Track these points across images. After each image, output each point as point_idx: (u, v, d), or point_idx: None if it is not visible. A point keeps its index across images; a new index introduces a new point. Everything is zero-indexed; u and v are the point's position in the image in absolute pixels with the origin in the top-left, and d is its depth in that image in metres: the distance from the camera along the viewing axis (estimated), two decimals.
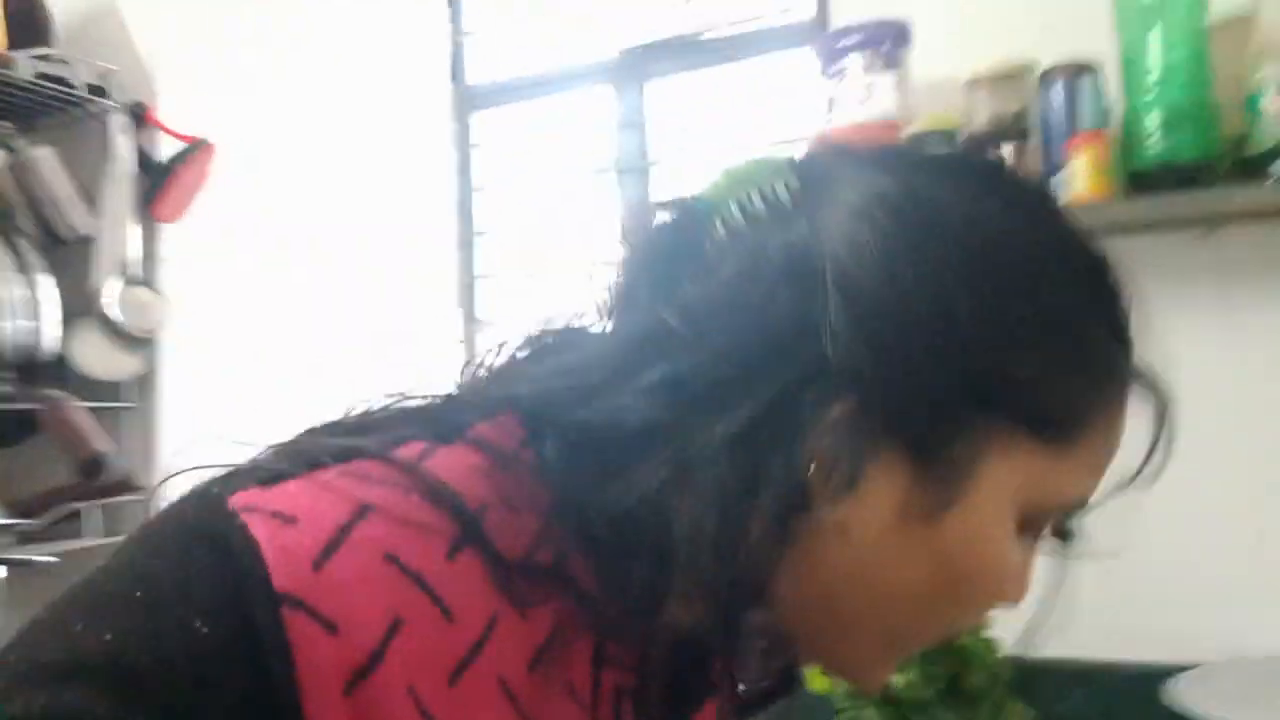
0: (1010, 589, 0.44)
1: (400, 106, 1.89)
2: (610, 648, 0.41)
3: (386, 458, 0.38)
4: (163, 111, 1.30)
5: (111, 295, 1.20)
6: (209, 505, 0.35)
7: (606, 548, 0.39)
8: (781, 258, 0.40)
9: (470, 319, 2.00)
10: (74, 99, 1.28)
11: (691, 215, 0.44)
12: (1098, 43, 1.24)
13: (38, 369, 1.20)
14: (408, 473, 0.37)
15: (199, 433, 1.29)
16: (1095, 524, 1.27)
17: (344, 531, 0.34)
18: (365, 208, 1.75)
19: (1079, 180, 1.19)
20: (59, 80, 1.26)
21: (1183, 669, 1.22)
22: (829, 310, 0.39)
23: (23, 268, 1.20)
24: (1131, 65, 1.20)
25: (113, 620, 0.32)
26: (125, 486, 1.15)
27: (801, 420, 0.39)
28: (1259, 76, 1.13)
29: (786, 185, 0.42)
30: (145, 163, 1.26)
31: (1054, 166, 1.25)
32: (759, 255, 0.41)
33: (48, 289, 1.24)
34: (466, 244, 2.01)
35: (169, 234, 1.30)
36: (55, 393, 1.02)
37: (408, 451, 0.39)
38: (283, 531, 0.34)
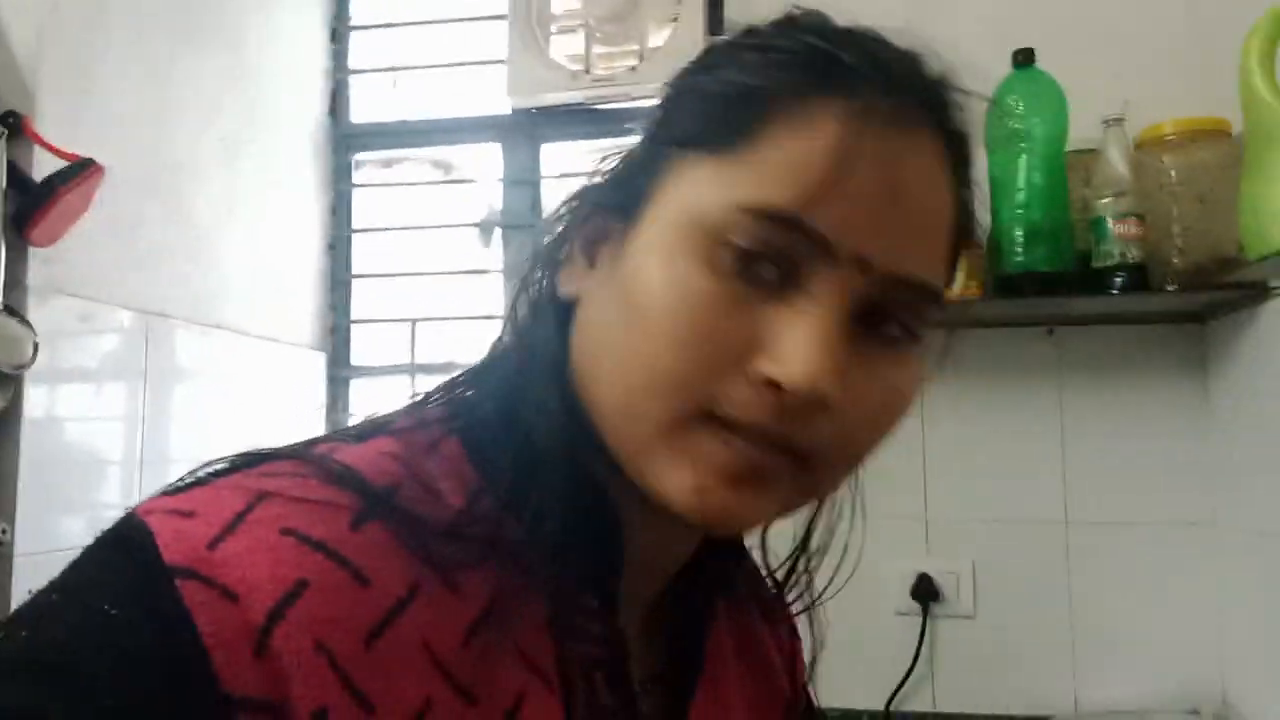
0: (698, 317, 0.39)
1: (279, 141, 1.81)
2: (572, 616, 0.42)
3: (291, 455, 0.40)
4: (42, 124, 1.19)
5: None
6: (121, 517, 0.36)
7: (519, 489, 0.42)
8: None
9: (342, 363, 1.92)
10: None
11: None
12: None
13: None
14: (307, 462, 0.39)
15: (61, 477, 1.18)
16: (953, 590, 1.40)
17: (239, 517, 0.35)
18: (238, 243, 1.66)
19: (957, 280, 1.34)
20: None
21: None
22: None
23: None
24: (999, 184, 1.37)
25: (30, 622, 0.33)
26: None
27: (559, 255, 0.48)
28: (1103, 202, 1.32)
29: None
30: (18, 180, 1.15)
31: None
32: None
33: None
34: (342, 286, 1.94)
35: (39, 260, 1.18)
36: None
37: (315, 449, 0.40)
38: (179, 521, 0.35)
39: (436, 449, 0.42)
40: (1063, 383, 1.48)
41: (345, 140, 2.00)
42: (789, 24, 0.44)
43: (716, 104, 0.41)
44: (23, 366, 1.11)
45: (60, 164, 1.16)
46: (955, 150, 0.44)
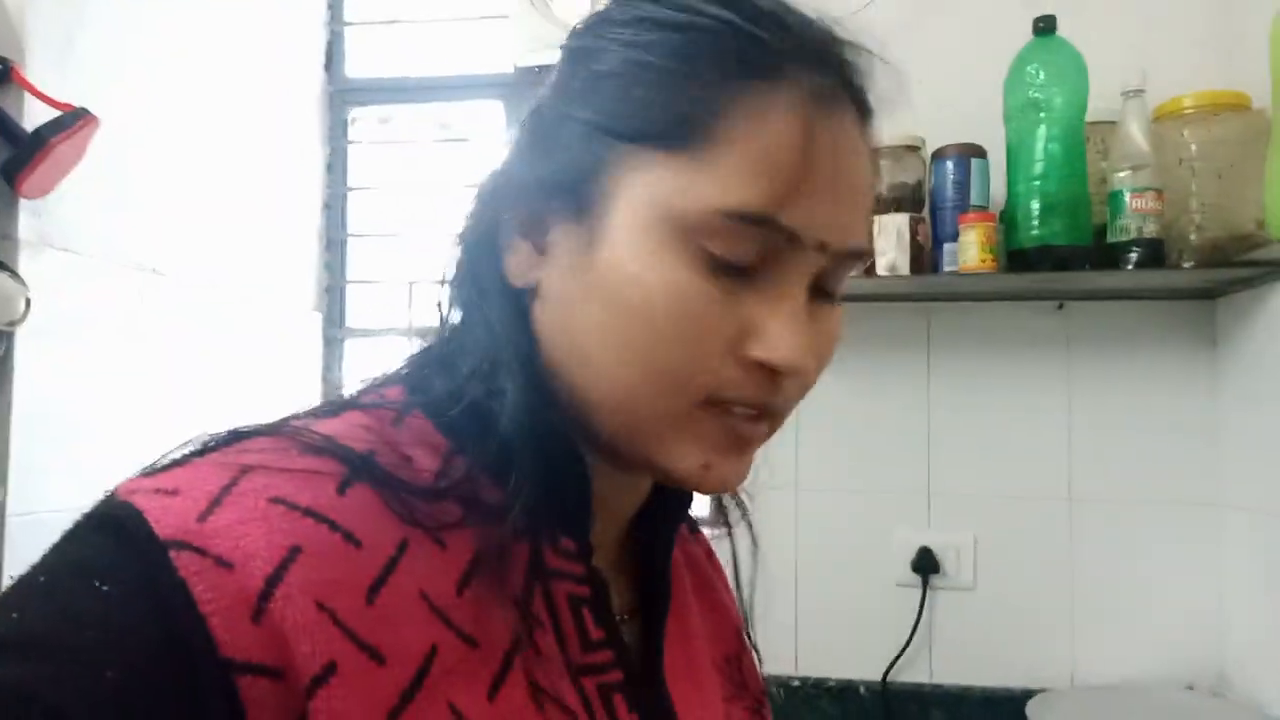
0: (692, 313, 0.41)
1: (274, 94, 1.76)
2: (554, 561, 0.45)
3: (268, 431, 0.41)
4: (31, 71, 1.14)
5: None
6: (101, 500, 0.37)
7: (495, 458, 0.43)
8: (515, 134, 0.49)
9: (337, 324, 1.88)
10: None
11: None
12: (986, 129, 1.38)
13: None
14: (285, 436, 0.40)
15: (53, 435, 1.15)
16: (954, 563, 1.40)
17: (225, 490, 0.36)
18: (233, 199, 1.61)
19: (969, 252, 1.32)
20: None
21: (1031, 693, 1.37)
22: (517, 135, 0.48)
23: None
24: (1016, 154, 1.34)
25: (18, 604, 0.33)
26: None
27: (496, 228, 0.48)
28: (1120, 176, 1.30)
29: None
30: (8, 129, 1.10)
31: (943, 236, 1.37)
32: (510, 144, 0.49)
33: None
34: (337, 245, 1.90)
35: (30, 213, 1.14)
36: None
37: (290, 424, 0.42)
38: (165, 499, 0.35)
39: (403, 421, 0.44)
40: (1070, 358, 1.47)
41: (341, 95, 1.95)
42: None
43: (662, 97, 0.42)
44: (14, 322, 1.08)
45: (52, 114, 1.12)
46: (866, 116, 0.46)
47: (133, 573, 0.33)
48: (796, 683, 1.49)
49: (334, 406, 0.45)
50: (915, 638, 1.46)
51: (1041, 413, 1.47)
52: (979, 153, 1.39)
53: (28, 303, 1.09)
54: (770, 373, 0.43)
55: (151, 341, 1.36)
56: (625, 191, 0.42)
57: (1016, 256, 1.33)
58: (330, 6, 1.95)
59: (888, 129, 1.36)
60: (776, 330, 0.42)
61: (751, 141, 0.41)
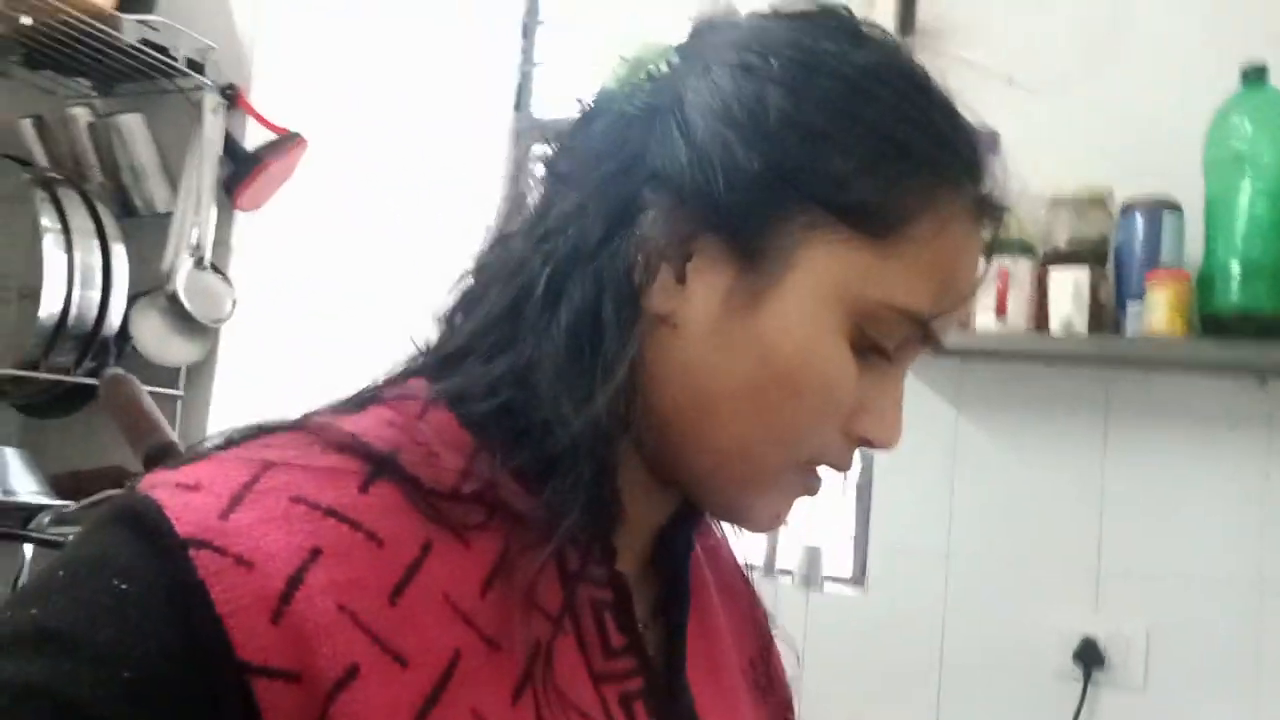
0: (838, 392, 0.43)
1: (467, 129, 1.89)
2: (582, 565, 0.44)
3: (291, 427, 0.40)
4: (253, 97, 1.28)
5: (181, 278, 1.17)
6: (123, 492, 0.37)
7: (529, 463, 0.42)
8: (638, 111, 0.45)
9: None
10: (171, 70, 1.26)
11: (594, 109, 0.47)
12: (1178, 181, 1.29)
13: (94, 342, 1.16)
14: (310, 432, 0.40)
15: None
16: (1122, 656, 1.25)
17: (247, 488, 0.36)
18: (427, 226, 1.73)
19: (1157, 314, 1.22)
20: (161, 49, 1.24)
21: None
22: (657, 125, 0.44)
23: (100, 234, 1.16)
24: (1216, 210, 1.24)
25: (37, 599, 0.33)
26: None
27: (629, 233, 0.43)
28: None
29: (667, 61, 0.46)
30: (231, 147, 1.24)
31: (1128, 294, 1.28)
32: (620, 119, 0.45)
33: (121, 261, 1.20)
34: None
35: (243, 223, 1.27)
36: (121, 371, 0.97)
37: (314, 420, 0.41)
38: (186, 494, 0.35)
39: (426, 417, 0.43)
40: (1272, 438, 1.33)
41: (528, 133, 2.06)
42: (924, 83, 0.45)
43: (872, 184, 0.42)
44: (221, 320, 1.20)
45: (269, 135, 1.25)
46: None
47: (152, 571, 0.33)
48: None
49: (359, 400, 0.44)
50: None
51: (1233, 495, 1.33)
52: (1173, 206, 1.29)
53: (234, 303, 1.21)
54: (864, 445, 0.45)
55: (333, 354, 1.47)
56: (809, 257, 0.42)
57: (1211, 322, 1.22)
58: (524, 50, 2.07)
59: (1071, 177, 1.31)
60: (888, 413, 0.45)
61: (934, 246, 0.42)
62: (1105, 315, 1.28)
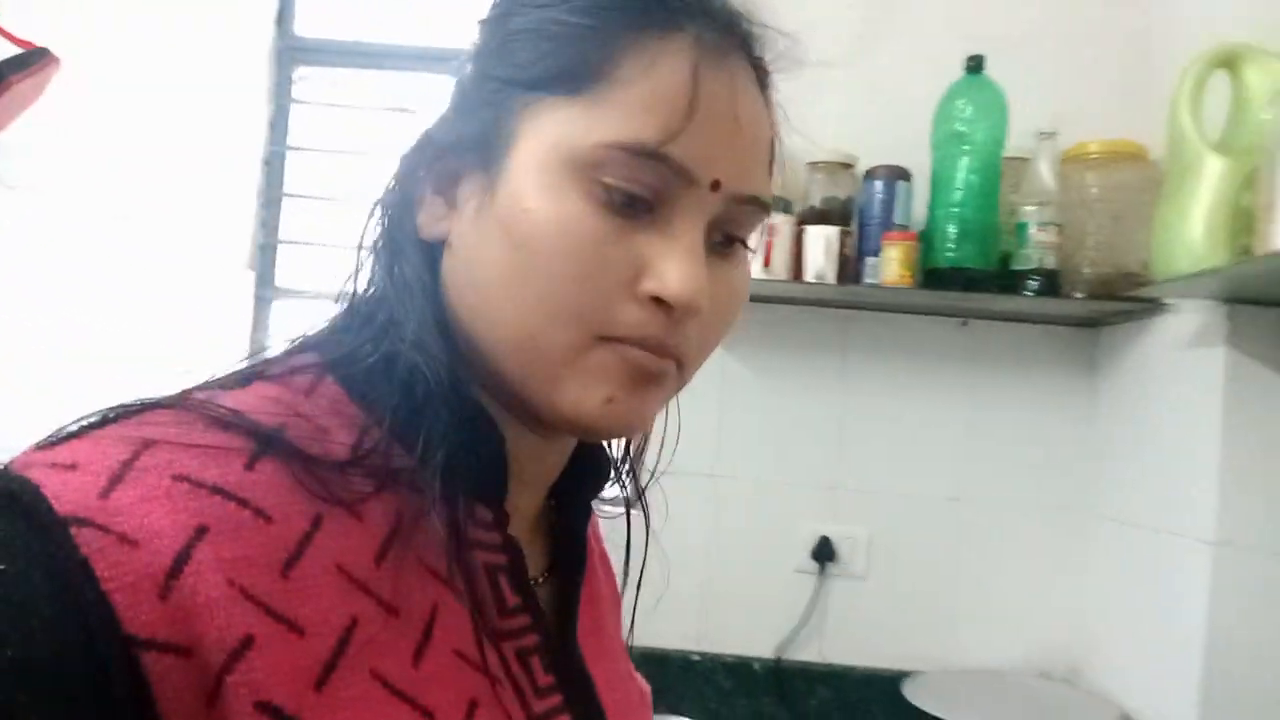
0: (584, 249, 0.43)
1: (225, 46, 1.74)
2: (471, 530, 0.45)
3: (171, 404, 0.40)
4: None
5: None
6: None
7: (408, 425, 0.43)
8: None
9: (268, 284, 1.88)
10: None
11: None
12: (910, 152, 1.49)
13: None
14: (190, 409, 0.39)
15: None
16: (849, 553, 1.51)
17: (126, 466, 0.35)
18: (173, 154, 1.60)
19: (890, 267, 1.43)
20: None
21: (907, 675, 1.50)
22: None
23: None
24: (939, 181, 1.45)
25: None
26: None
27: (414, 188, 0.49)
28: (1027, 209, 1.43)
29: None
30: None
31: (867, 250, 1.48)
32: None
33: None
34: (274, 204, 1.89)
35: None
36: None
37: (194, 397, 0.41)
38: (63, 474, 0.34)
39: (315, 391, 0.44)
40: (970, 372, 1.60)
41: (290, 52, 1.93)
42: None
43: (563, 48, 0.44)
44: None
45: (13, 50, 1.10)
46: (763, 79, 0.49)
47: (32, 550, 0.32)
48: (696, 657, 1.59)
49: (242, 376, 0.44)
50: (808, 620, 1.58)
51: (940, 420, 1.60)
52: (905, 175, 1.50)
53: None
54: (666, 309, 0.43)
55: (91, 283, 1.35)
56: (526, 135, 0.44)
57: (931, 275, 1.44)
58: None
59: (824, 146, 1.47)
60: (669, 265, 0.43)
61: (644, 82, 0.42)
62: (849, 267, 1.47)
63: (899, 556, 1.60)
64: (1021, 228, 1.43)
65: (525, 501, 0.52)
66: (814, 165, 1.51)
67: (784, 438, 1.61)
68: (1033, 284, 1.41)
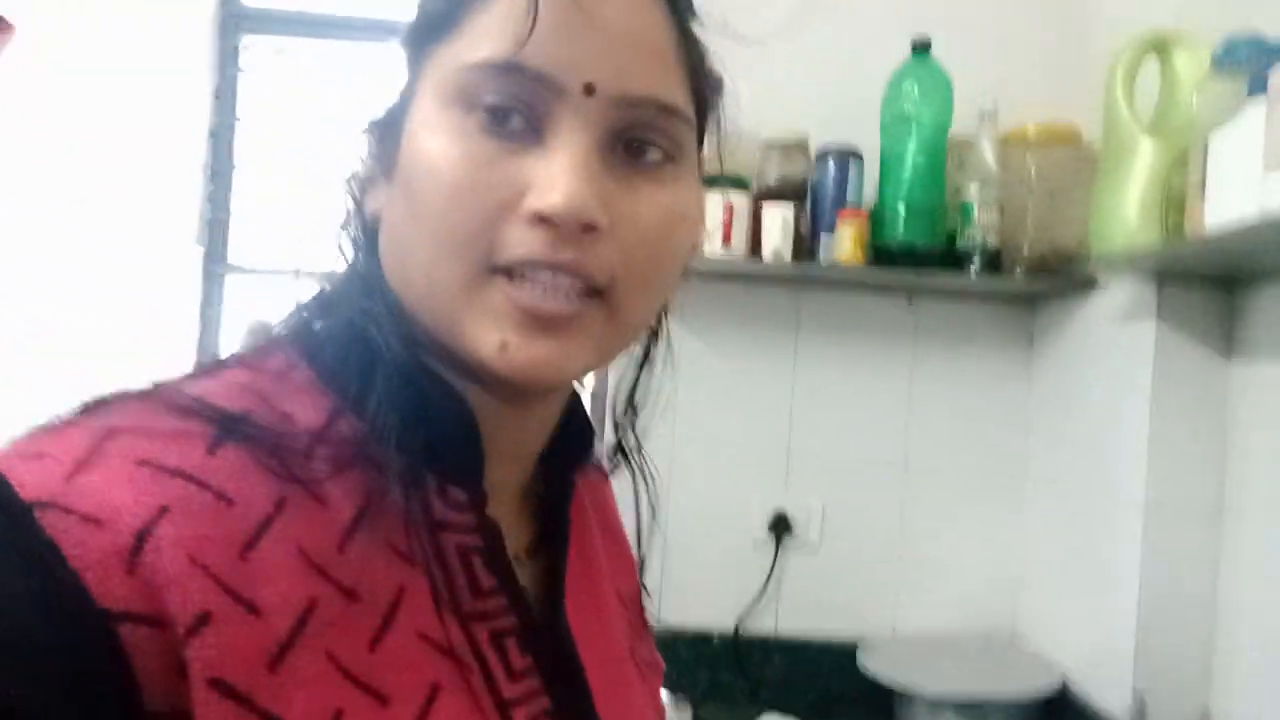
0: (459, 169, 0.42)
1: (166, 19, 1.70)
2: (442, 512, 0.45)
3: (137, 395, 0.40)
4: None
5: None
6: None
7: (372, 404, 0.43)
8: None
9: (218, 260, 1.84)
10: None
11: None
12: (862, 133, 1.53)
13: None
14: (154, 398, 0.40)
15: None
16: (804, 525, 1.55)
17: (91, 453, 0.36)
18: (118, 131, 1.56)
19: (843, 245, 1.47)
20: None
21: (859, 642, 1.56)
22: None
23: None
24: (888, 161, 1.50)
25: None
26: None
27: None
28: (971, 189, 1.48)
29: None
30: None
31: (821, 227, 1.52)
32: None
33: None
34: (222, 176, 1.85)
35: None
36: None
37: (161, 387, 0.41)
38: (28, 463, 0.35)
39: (286, 376, 0.44)
40: (916, 347, 1.66)
41: (234, 20, 1.89)
42: None
43: (438, 2, 0.45)
44: None
45: None
46: None
47: (2, 536, 0.33)
48: (656, 630, 1.61)
49: (216, 365, 0.45)
50: (766, 592, 1.62)
51: (888, 393, 1.66)
52: (857, 155, 1.54)
53: None
54: (551, 227, 0.41)
55: (40, 270, 1.31)
56: (422, 89, 0.45)
57: (881, 252, 1.49)
58: None
59: (779, 125, 1.50)
60: (546, 176, 0.41)
61: (492, 6, 0.43)
62: (803, 245, 1.51)
63: (850, 527, 1.65)
64: (966, 208, 1.49)
65: (506, 474, 0.51)
66: (769, 144, 1.54)
67: (740, 410, 1.65)
68: (977, 261, 1.47)
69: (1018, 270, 1.47)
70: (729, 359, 1.65)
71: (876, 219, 1.50)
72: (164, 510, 0.35)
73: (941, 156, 1.48)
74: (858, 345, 1.66)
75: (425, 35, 0.45)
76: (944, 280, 1.53)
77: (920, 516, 1.65)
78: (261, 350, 0.46)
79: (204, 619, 0.34)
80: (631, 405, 0.60)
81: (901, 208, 1.47)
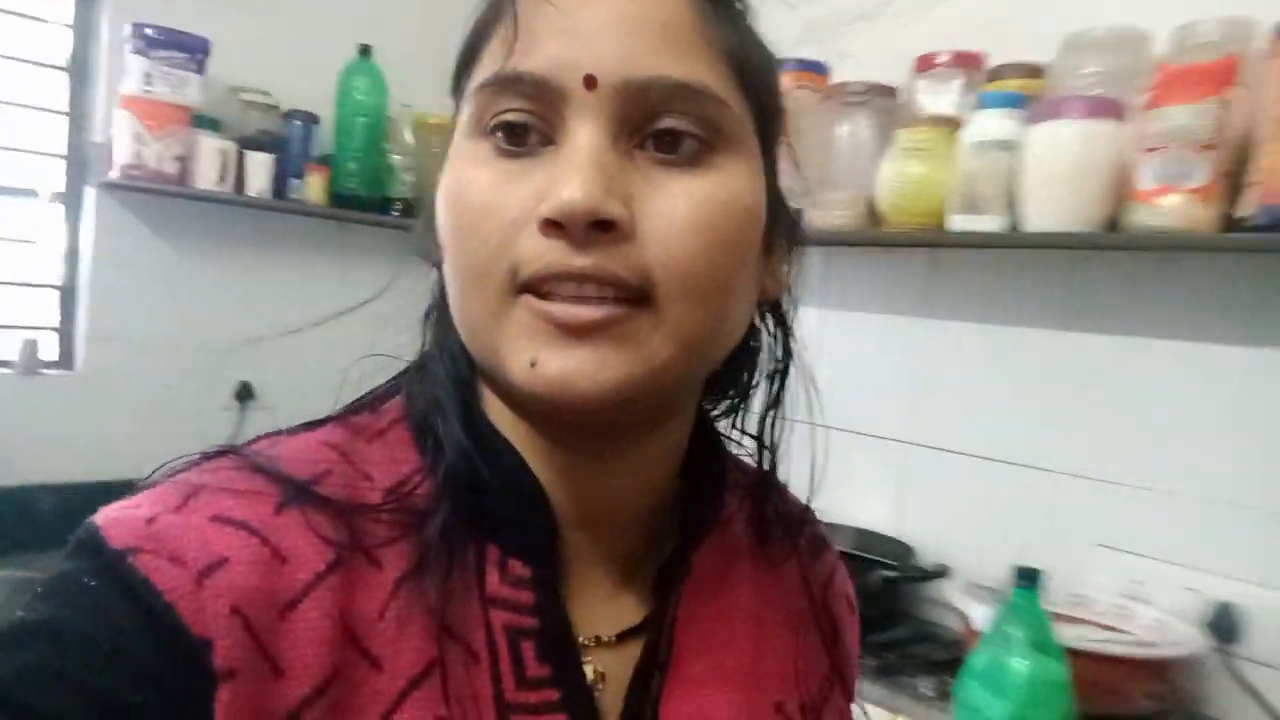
0: (473, 189, 0.40)
1: None
2: (496, 587, 0.42)
3: (233, 451, 0.42)
4: None
5: None
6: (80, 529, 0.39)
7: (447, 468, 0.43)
8: None
9: None
10: None
11: None
12: (322, 101, 2.06)
13: None
14: (241, 457, 0.42)
15: None
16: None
17: (176, 510, 0.39)
18: None
19: (311, 190, 2.01)
20: None
21: None
22: None
23: None
24: (342, 129, 2.07)
25: (23, 607, 0.37)
26: None
27: None
28: (396, 158, 2.14)
29: None
30: None
31: (292, 173, 2.02)
32: None
33: None
34: None
35: None
36: None
37: (259, 443, 0.43)
38: (121, 513, 0.39)
39: (385, 435, 0.45)
40: (342, 263, 2.26)
41: None
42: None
43: (461, 56, 0.45)
44: None
45: None
46: None
47: (107, 577, 0.36)
48: None
49: (323, 419, 0.46)
50: None
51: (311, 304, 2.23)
52: (316, 120, 2.07)
53: None
54: (562, 229, 0.38)
55: None
56: (455, 137, 0.44)
57: (337, 198, 2.07)
58: None
59: (255, 83, 1.93)
60: (556, 180, 0.38)
61: (498, 29, 0.41)
62: (279, 187, 2.00)
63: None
64: (394, 169, 2.15)
65: (601, 541, 0.47)
66: (247, 102, 1.97)
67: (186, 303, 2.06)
68: (398, 208, 2.15)
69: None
70: (227, 286, 2.04)
71: (335, 172, 2.07)
72: (223, 560, 0.37)
73: (381, 131, 2.11)
74: (309, 264, 2.20)
75: (455, 81, 0.45)
76: (380, 219, 2.16)
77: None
78: (384, 395, 0.48)
79: (230, 674, 0.36)
80: (768, 433, 0.52)
81: (352, 165, 2.07)
